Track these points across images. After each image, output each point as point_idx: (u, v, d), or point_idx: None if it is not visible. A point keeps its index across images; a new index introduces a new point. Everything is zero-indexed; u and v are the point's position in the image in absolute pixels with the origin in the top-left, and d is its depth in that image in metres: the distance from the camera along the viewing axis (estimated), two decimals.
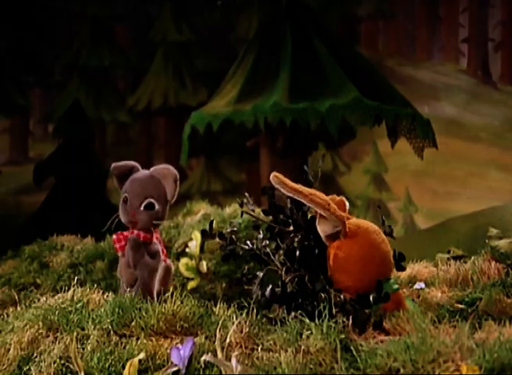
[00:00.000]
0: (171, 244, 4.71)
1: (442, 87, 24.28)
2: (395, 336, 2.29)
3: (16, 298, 3.82)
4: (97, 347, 2.30)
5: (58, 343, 2.37)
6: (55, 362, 2.28)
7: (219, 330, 2.26)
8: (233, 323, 2.29)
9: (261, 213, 2.76)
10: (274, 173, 2.55)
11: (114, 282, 4.15)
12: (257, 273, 2.60)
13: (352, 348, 2.10)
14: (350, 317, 2.33)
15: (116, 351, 2.27)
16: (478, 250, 3.53)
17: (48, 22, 17.08)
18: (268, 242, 2.68)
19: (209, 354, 2.17)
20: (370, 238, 2.57)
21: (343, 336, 2.13)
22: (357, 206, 17.32)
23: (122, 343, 2.34)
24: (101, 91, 17.23)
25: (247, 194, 2.82)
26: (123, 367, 2.20)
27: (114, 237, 2.85)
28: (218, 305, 2.50)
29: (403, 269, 2.76)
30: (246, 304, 2.44)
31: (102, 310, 2.48)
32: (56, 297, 2.68)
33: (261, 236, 2.70)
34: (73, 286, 2.74)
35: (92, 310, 2.54)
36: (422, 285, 3.24)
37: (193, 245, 4.34)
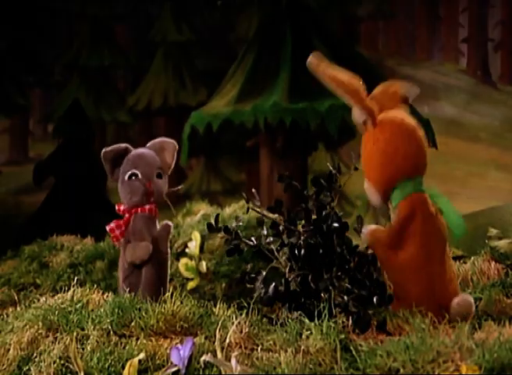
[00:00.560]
0: (170, 245, 4.70)
1: (441, 87, 24.28)
2: (395, 336, 2.29)
3: (16, 298, 3.82)
4: (97, 347, 2.30)
5: (58, 343, 2.37)
6: (54, 363, 2.28)
7: (219, 330, 2.26)
8: (233, 323, 2.29)
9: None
10: (314, 53, 2.52)
11: (114, 282, 4.15)
12: (261, 270, 2.60)
13: (352, 348, 2.10)
14: (350, 317, 2.33)
15: (116, 352, 2.27)
16: (477, 250, 3.53)
17: (48, 22, 17.06)
18: (272, 239, 2.67)
19: (209, 354, 2.17)
20: (398, 134, 2.48)
21: (342, 336, 2.13)
22: (357, 206, 17.31)
23: (121, 343, 2.34)
24: (101, 91, 17.22)
25: (254, 190, 2.83)
26: (123, 367, 2.20)
27: (111, 225, 2.82)
28: (217, 306, 2.50)
29: None
30: (246, 304, 2.44)
31: (102, 310, 2.48)
32: (56, 297, 2.68)
33: (265, 232, 2.70)
34: (73, 286, 2.74)
35: (92, 310, 2.54)
36: None
37: (193, 245, 4.34)
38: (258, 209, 2.74)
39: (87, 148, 9.03)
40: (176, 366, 2.16)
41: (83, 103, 9.82)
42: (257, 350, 2.19)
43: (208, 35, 18.20)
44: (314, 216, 2.61)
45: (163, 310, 2.39)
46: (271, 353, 2.15)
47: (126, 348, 2.29)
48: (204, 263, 4.24)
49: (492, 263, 3.36)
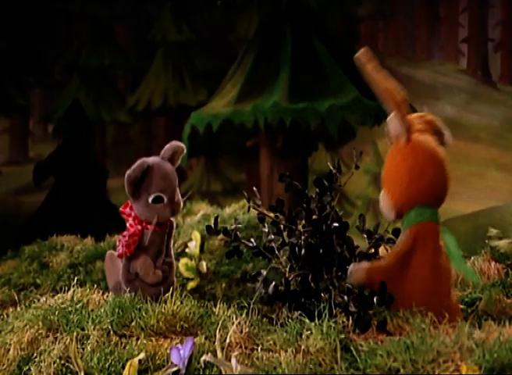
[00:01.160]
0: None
1: (441, 87, 24.28)
2: (395, 336, 2.29)
3: (16, 298, 3.82)
4: (97, 347, 2.30)
5: (58, 343, 2.37)
6: (54, 363, 2.28)
7: (219, 330, 2.26)
8: (233, 324, 2.28)
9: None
10: (364, 50, 2.53)
11: None
12: (261, 270, 2.60)
13: (352, 348, 2.10)
14: (351, 317, 2.33)
15: (116, 352, 2.27)
16: (477, 250, 3.54)
17: (48, 22, 17.06)
18: (273, 237, 2.67)
19: (209, 354, 2.17)
20: (428, 158, 2.50)
21: (342, 336, 2.13)
22: (357, 206, 17.32)
23: (122, 343, 2.34)
24: (101, 91, 17.22)
25: (255, 188, 2.83)
26: (123, 367, 2.20)
27: (125, 239, 2.80)
28: (217, 306, 2.50)
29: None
30: (246, 304, 2.44)
31: (102, 310, 2.48)
32: (56, 297, 2.68)
33: (266, 230, 2.70)
34: (73, 286, 2.74)
35: (92, 310, 2.54)
36: None
37: (193, 245, 4.34)
38: (259, 208, 2.73)
39: (87, 148, 9.04)
40: (176, 365, 2.16)
41: (83, 103, 9.82)
42: (257, 350, 2.19)
43: (208, 35, 18.20)
44: (315, 216, 2.61)
45: (163, 310, 2.39)
46: (271, 353, 2.15)
47: (126, 348, 2.29)
48: (204, 263, 4.24)
49: (492, 263, 3.36)
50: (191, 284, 4.17)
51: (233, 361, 2.10)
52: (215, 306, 2.51)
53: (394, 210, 2.52)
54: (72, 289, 2.71)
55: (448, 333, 2.11)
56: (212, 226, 2.70)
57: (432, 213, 2.52)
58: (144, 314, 2.41)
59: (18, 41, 15.38)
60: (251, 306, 2.39)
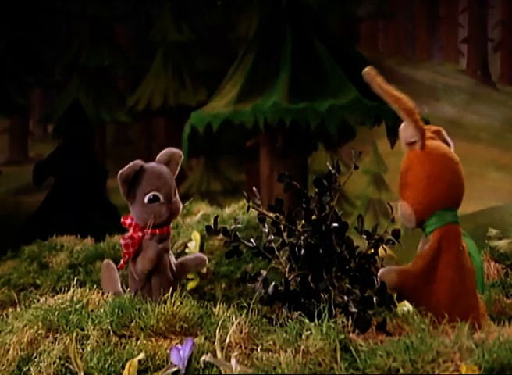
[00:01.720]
0: (170, 245, 4.70)
1: (441, 88, 24.29)
2: (395, 336, 2.29)
3: (16, 298, 3.81)
4: (97, 347, 2.30)
5: (58, 343, 2.36)
6: (54, 363, 2.28)
7: (219, 330, 2.26)
8: (233, 324, 2.28)
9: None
10: (368, 68, 2.54)
11: None
12: (261, 270, 2.60)
13: (351, 348, 2.10)
14: (350, 317, 2.33)
15: (116, 352, 2.27)
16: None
17: (48, 22, 17.07)
18: (273, 237, 2.67)
19: (209, 354, 2.17)
20: (444, 161, 2.54)
21: (342, 336, 2.13)
22: (357, 206, 17.32)
23: (121, 343, 2.34)
24: (101, 91, 17.23)
25: (254, 188, 2.82)
26: (123, 367, 2.20)
27: (126, 241, 2.79)
28: (217, 306, 2.50)
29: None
30: (246, 304, 2.44)
31: (102, 311, 2.48)
32: (56, 297, 2.68)
33: (266, 230, 2.69)
34: (73, 286, 2.74)
35: (92, 311, 2.54)
36: None
37: (193, 246, 4.35)
38: (259, 208, 2.73)
39: (87, 148, 9.05)
40: (175, 366, 2.16)
41: (83, 103, 9.83)
42: (257, 350, 2.19)
43: (207, 35, 18.21)
44: (314, 216, 2.61)
45: (163, 310, 2.39)
46: (271, 353, 2.15)
47: (126, 348, 2.29)
48: None
49: (492, 263, 3.36)
50: (191, 284, 4.17)
51: (233, 361, 2.10)
52: (215, 306, 2.51)
53: (415, 217, 2.54)
54: (71, 289, 2.71)
55: (447, 334, 2.11)
56: (212, 226, 2.70)
57: (452, 216, 2.55)
58: (143, 314, 2.41)
59: (18, 41, 15.39)
60: (251, 306, 2.39)
